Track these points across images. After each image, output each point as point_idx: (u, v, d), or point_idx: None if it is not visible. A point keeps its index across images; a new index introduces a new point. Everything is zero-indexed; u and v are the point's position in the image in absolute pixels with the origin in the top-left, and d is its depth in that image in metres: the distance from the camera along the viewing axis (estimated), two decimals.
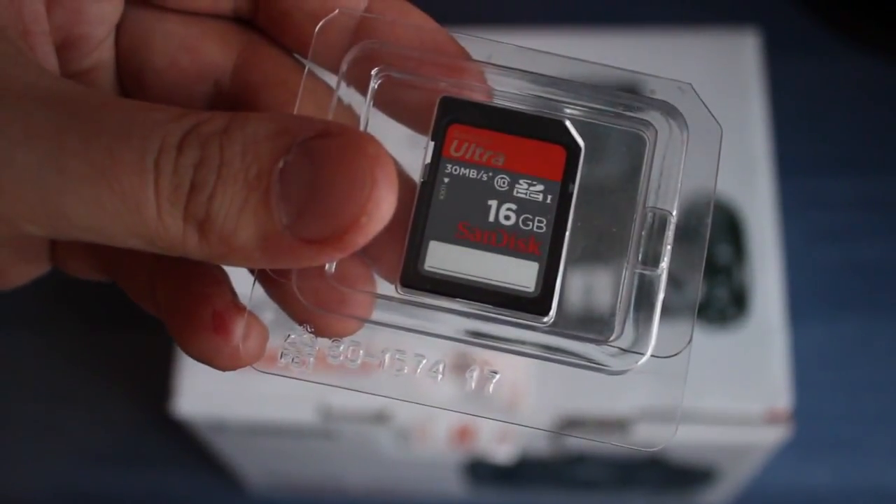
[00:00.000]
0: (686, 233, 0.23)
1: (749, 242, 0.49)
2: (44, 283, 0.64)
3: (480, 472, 0.54)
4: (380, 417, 0.47)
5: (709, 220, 0.23)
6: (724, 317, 0.48)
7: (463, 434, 0.48)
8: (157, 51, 0.25)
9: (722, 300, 0.48)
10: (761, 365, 0.47)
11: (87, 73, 0.25)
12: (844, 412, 0.58)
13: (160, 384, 0.49)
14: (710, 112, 0.23)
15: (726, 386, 0.46)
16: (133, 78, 0.25)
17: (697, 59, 0.52)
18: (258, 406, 0.47)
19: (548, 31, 0.53)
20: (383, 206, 0.20)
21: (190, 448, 0.55)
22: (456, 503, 0.59)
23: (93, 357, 0.62)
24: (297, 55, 0.25)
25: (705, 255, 0.23)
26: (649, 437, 0.47)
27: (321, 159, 0.20)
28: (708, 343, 0.47)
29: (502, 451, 0.49)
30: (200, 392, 0.47)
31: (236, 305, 0.23)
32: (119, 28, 0.25)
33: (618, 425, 0.46)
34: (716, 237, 0.49)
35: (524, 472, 0.54)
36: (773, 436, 0.46)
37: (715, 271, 0.48)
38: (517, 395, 0.46)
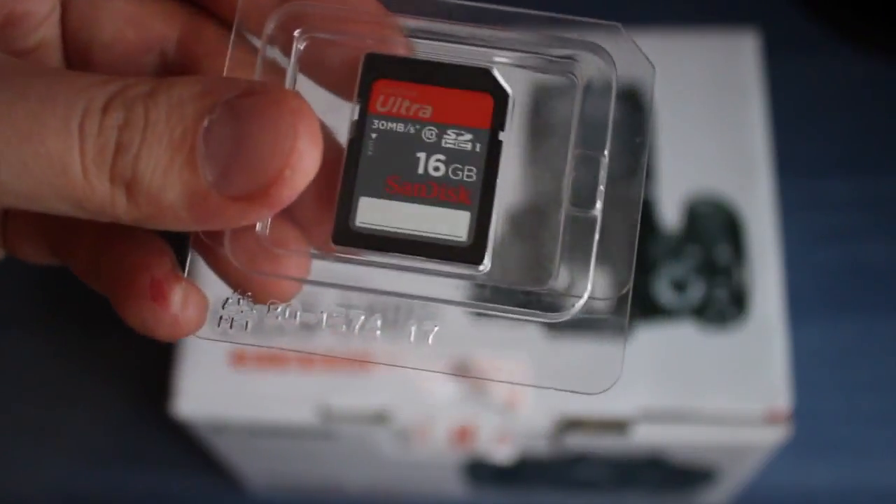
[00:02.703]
0: (621, 174, 0.23)
1: (749, 242, 0.49)
2: (43, 284, 0.64)
3: (480, 472, 0.54)
4: (379, 418, 0.47)
5: (644, 160, 0.23)
6: (723, 317, 0.48)
7: (463, 435, 0.48)
8: (104, 26, 0.25)
9: (721, 300, 0.48)
10: (761, 365, 0.47)
11: (33, 52, 0.25)
12: (844, 412, 0.58)
13: (160, 384, 0.49)
14: (642, 53, 0.23)
15: (726, 386, 0.46)
16: (80, 55, 0.25)
17: (697, 59, 0.52)
18: (258, 407, 0.47)
19: None
20: (306, 159, 0.20)
21: (190, 448, 0.55)
22: None
23: (92, 357, 0.62)
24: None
25: (642, 195, 0.23)
26: (650, 438, 0.47)
27: (244, 116, 0.20)
28: (707, 343, 0.47)
29: (502, 452, 0.49)
30: (200, 392, 0.47)
31: (175, 275, 0.23)
32: (65, 7, 0.25)
33: (618, 426, 0.46)
34: (715, 237, 0.49)
35: (524, 472, 0.54)
36: (772, 436, 0.46)
37: (714, 271, 0.48)
38: (515, 396, 0.46)
